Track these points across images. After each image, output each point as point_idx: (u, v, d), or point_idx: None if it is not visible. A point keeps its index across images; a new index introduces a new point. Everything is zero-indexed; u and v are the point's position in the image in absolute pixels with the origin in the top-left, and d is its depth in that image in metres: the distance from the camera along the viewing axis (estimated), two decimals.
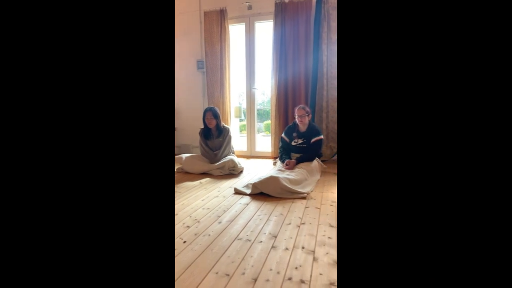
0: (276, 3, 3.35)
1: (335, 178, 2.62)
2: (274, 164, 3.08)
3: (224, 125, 3.08)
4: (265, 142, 4.48)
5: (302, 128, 2.73)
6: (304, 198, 2.05)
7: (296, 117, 2.73)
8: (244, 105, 4.01)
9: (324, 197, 2.08)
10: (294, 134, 2.75)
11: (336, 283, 1.05)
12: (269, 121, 4.41)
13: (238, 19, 3.65)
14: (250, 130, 3.83)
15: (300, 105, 2.81)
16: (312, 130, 2.70)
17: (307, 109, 2.76)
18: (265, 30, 3.76)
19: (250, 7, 3.56)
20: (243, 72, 3.78)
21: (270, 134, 3.69)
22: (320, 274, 1.11)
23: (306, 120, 2.70)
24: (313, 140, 2.66)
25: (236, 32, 3.84)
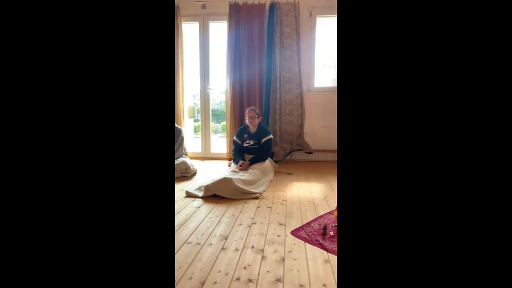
0: (230, 4, 3.36)
1: (287, 177, 2.73)
2: (229, 165, 3.08)
3: (176, 125, 2.98)
4: (221, 143, 4.45)
5: (253, 129, 2.79)
6: (256, 198, 2.09)
7: (247, 118, 2.78)
8: (199, 105, 3.93)
9: (275, 196, 2.14)
10: (245, 136, 2.80)
11: (282, 279, 1.09)
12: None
13: (192, 17, 3.57)
14: (204, 131, 3.77)
15: (251, 107, 2.87)
16: (262, 131, 2.78)
17: (257, 111, 2.84)
18: (219, 30, 3.74)
19: (204, 6, 3.50)
20: (197, 72, 3.70)
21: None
22: (268, 271, 1.14)
23: (256, 121, 2.77)
24: (263, 140, 2.73)
25: (190, 31, 3.74)
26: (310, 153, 3.57)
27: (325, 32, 3.57)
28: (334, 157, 3.61)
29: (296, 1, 3.32)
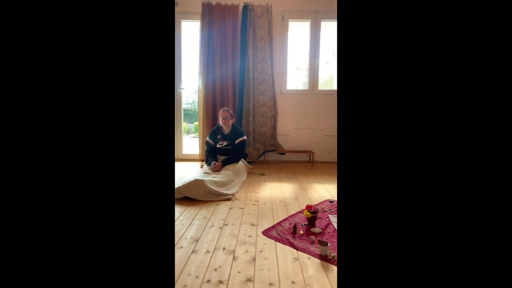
0: (203, 4, 3.32)
1: (260, 178, 2.76)
2: (202, 166, 3.03)
3: None
4: (194, 144, 4.37)
5: (226, 130, 2.78)
6: (229, 199, 2.09)
7: (220, 118, 2.76)
8: None
9: (248, 197, 2.16)
10: (219, 137, 2.78)
11: (252, 279, 1.11)
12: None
13: None
14: (176, 132, 3.68)
15: (225, 108, 2.86)
16: (236, 132, 2.78)
17: (231, 112, 2.83)
18: (192, 29, 3.67)
19: (176, 4, 3.42)
20: None
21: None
22: (238, 272, 1.15)
23: (230, 122, 2.76)
24: (237, 141, 2.74)
25: None
26: (283, 153, 3.64)
27: (297, 36, 3.66)
28: (306, 157, 3.72)
29: (269, 4, 3.38)
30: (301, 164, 3.53)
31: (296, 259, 1.27)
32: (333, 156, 3.76)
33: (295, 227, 1.53)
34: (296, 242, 1.41)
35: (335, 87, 3.75)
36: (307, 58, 3.64)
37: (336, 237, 1.47)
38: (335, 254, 1.29)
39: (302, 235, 1.49)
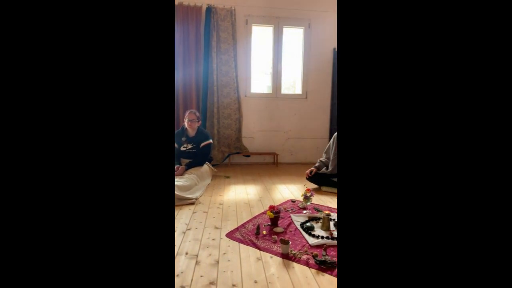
0: None
1: (225, 180, 2.76)
2: None
3: None
4: None
5: (191, 133, 2.72)
6: (192, 203, 2.05)
7: (186, 120, 2.70)
8: None
9: (212, 201, 2.14)
10: (183, 139, 2.71)
11: (215, 282, 1.11)
12: None
13: None
14: None
15: (191, 110, 2.80)
16: (201, 135, 2.74)
17: (198, 114, 2.78)
18: None
19: None
20: None
21: None
22: (201, 276, 1.14)
23: (196, 125, 2.71)
24: (202, 144, 2.70)
25: None
26: (248, 156, 3.68)
27: (260, 41, 3.74)
28: (270, 159, 3.80)
29: (233, 8, 3.41)
30: (265, 166, 3.60)
31: (259, 259, 1.29)
32: (296, 157, 3.90)
33: (258, 228, 1.56)
34: (259, 243, 1.44)
35: (297, 91, 3.90)
36: (271, 63, 3.74)
37: (297, 235, 1.53)
38: (296, 251, 1.34)
39: (265, 235, 1.53)
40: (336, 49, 3.77)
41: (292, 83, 3.96)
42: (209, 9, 3.32)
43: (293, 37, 3.81)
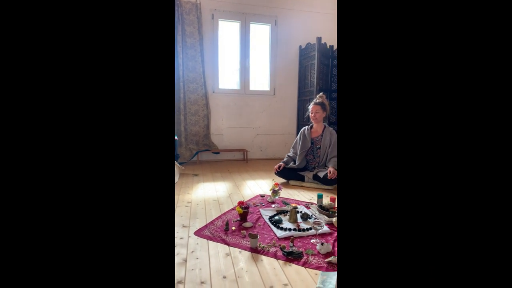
0: None
1: (194, 179, 2.70)
2: None
3: None
4: None
5: None
6: None
7: None
8: None
9: (180, 199, 2.09)
10: None
11: (183, 280, 1.09)
12: None
13: None
14: None
15: None
16: None
17: None
18: None
19: None
20: None
21: None
22: None
23: None
24: None
25: None
26: (217, 153, 3.64)
27: (228, 36, 3.70)
28: (240, 155, 3.80)
29: (198, 2, 3.32)
30: (235, 162, 3.59)
31: (228, 254, 1.29)
32: (266, 153, 3.95)
33: (227, 224, 1.56)
34: (228, 238, 1.44)
35: (266, 88, 3.94)
36: (238, 59, 3.72)
37: (266, 229, 1.56)
38: (264, 244, 1.36)
39: (234, 231, 1.53)
40: (302, 47, 3.87)
41: (260, 80, 3.99)
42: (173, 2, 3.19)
43: (261, 33, 3.83)
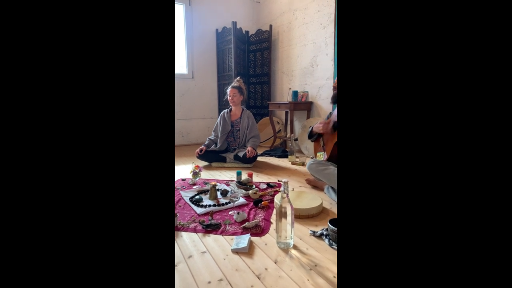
0: None
1: None
2: None
3: None
4: None
5: None
6: None
7: None
8: None
9: None
10: None
11: None
12: None
13: None
14: None
15: None
16: None
17: None
18: None
19: None
20: None
21: None
22: None
23: None
24: None
25: None
26: None
27: None
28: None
29: None
30: None
31: None
32: (188, 138, 3.89)
33: None
34: None
35: (183, 71, 3.81)
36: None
37: (186, 209, 1.60)
38: (184, 222, 1.41)
39: None
40: (219, 31, 3.88)
41: (177, 62, 3.84)
42: None
43: (176, 14, 3.63)
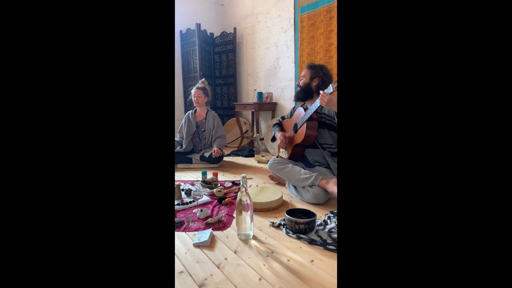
0: None
1: None
2: None
3: None
4: None
5: None
6: None
7: None
8: None
9: None
10: None
11: None
12: None
13: None
14: None
15: None
16: None
17: None
18: None
19: None
20: None
21: None
22: None
23: None
24: None
25: None
26: None
27: None
28: None
29: None
30: None
31: None
32: None
33: None
34: None
35: None
36: None
37: None
38: None
39: None
40: (183, 32, 3.85)
41: None
42: None
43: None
